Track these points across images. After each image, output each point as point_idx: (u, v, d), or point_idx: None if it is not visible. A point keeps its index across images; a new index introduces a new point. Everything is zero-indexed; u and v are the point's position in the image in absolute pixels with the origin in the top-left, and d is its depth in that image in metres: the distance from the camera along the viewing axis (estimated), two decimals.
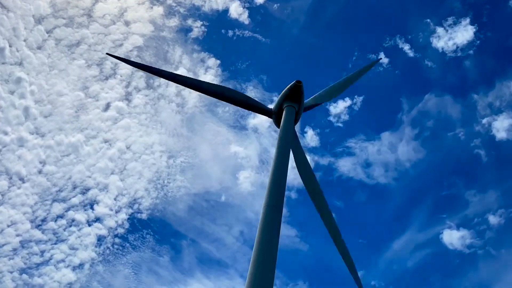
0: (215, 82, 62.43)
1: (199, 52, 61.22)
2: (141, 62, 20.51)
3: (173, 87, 59.36)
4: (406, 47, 59.59)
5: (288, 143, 16.86)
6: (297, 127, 19.60)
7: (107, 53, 21.64)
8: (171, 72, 20.11)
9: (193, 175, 56.39)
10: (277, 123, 19.08)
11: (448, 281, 52.82)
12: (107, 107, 56.19)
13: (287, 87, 18.60)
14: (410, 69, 63.24)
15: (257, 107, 20.02)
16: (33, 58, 54.62)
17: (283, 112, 18.50)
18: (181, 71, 60.38)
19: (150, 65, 20.28)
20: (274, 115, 19.28)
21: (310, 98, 20.57)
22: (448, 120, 59.22)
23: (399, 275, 54.08)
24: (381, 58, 26.26)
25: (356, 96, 59.38)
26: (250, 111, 20.47)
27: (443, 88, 61.58)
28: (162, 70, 20.00)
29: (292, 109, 18.45)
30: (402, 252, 54.46)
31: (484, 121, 55.19)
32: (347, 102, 58.83)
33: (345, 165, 57.13)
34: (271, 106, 19.92)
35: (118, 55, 21.15)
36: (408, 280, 53.12)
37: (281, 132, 17.24)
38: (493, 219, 51.29)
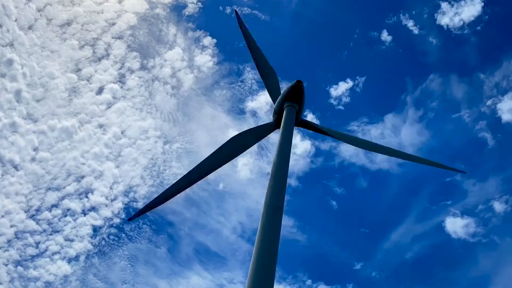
0: (211, 63, 61.47)
1: (194, 30, 60.20)
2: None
3: (168, 68, 58.54)
4: (410, 24, 58.39)
5: (289, 143, 16.97)
6: None
7: (235, 10, 23.68)
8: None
9: (190, 161, 56.07)
10: (276, 121, 19.24)
11: (451, 270, 52.97)
12: (100, 90, 55.54)
13: (288, 87, 18.81)
14: (414, 47, 62.14)
15: (270, 89, 20.77)
16: (24, 38, 53.76)
17: (283, 112, 18.62)
18: (176, 51, 59.48)
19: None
20: (275, 114, 19.45)
21: (329, 128, 20.25)
22: (453, 101, 58.48)
23: (401, 265, 54.09)
24: (465, 172, 21.61)
25: (358, 77, 58.60)
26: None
27: (448, 67, 60.66)
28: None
29: (292, 109, 18.57)
30: (403, 242, 54.37)
31: (490, 102, 54.37)
32: (349, 83, 58.06)
33: (347, 150, 56.63)
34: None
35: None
36: (409, 270, 53.16)
37: (282, 132, 17.37)
38: (498, 206, 51.05)
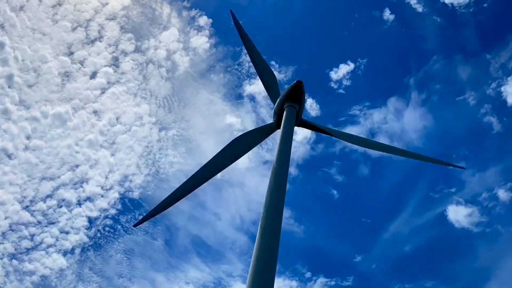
0: (207, 45, 60.45)
1: (189, 10, 59.05)
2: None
3: (163, 50, 57.61)
4: (413, 1, 57.16)
5: (289, 143, 17.12)
6: None
7: (231, 10, 24.17)
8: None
9: (186, 149, 55.51)
10: (277, 122, 19.35)
11: (453, 260, 52.78)
12: (94, 74, 54.74)
13: (288, 87, 18.92)
14: (417, 27, 61.00)
15: (270, 91, 21.11)
16: (16, 20, 52.67)
17: (283, 112, 18.74)
18: (172, 31, 58.47)
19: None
20: (275, 114, 19.51)
21: (330, 128, 20.52)
22: (458, 83, 57.65)
23: (404, 256, 53.83)
24: (464, 168, 22.43)
25: (359, 59, 57.73)
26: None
27: (452, 48, 59.64)
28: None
29: (293, 109, 18.69)
30: (405, 232, 54.00)
31: (495, 84, 53.49)
32: (350, 66, 57.23)
33: None
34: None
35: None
36: (410, 261, 52.87)
37: (282, 132, 17.50)
38: (503, 194, 50.66)
